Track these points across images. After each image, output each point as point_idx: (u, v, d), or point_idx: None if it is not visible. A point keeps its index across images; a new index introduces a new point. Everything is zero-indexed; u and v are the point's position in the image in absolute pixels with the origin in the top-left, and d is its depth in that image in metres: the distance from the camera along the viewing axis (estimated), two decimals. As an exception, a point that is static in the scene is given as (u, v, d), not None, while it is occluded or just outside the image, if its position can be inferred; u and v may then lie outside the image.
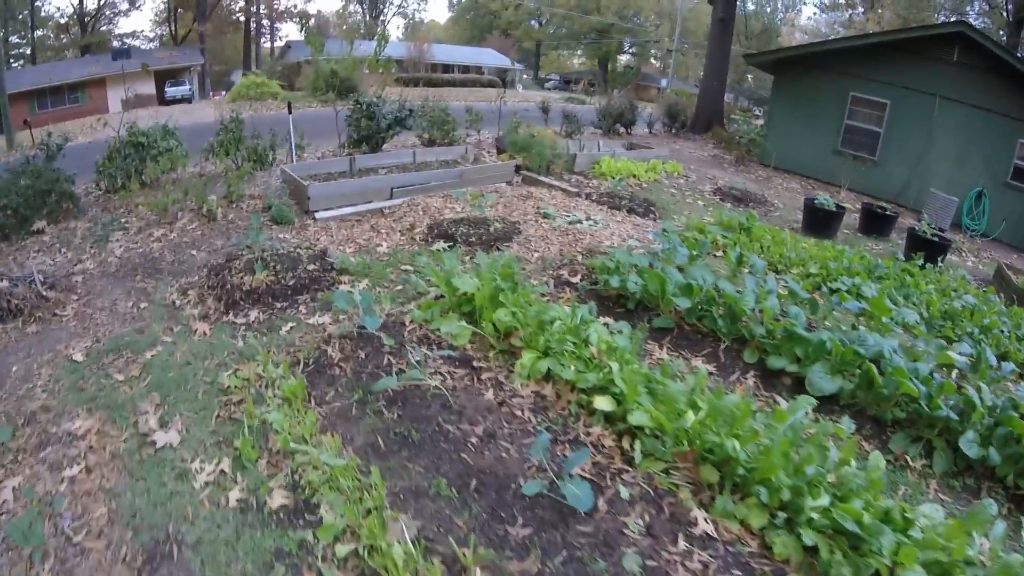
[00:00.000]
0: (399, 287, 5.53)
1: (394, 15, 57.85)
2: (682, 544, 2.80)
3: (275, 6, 51.53)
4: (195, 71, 40.20)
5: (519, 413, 3.69)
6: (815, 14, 50.58)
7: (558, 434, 3.52)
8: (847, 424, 3.57)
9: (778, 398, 4.20)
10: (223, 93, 38.25)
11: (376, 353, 4.28)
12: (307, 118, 13.37)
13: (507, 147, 11.08)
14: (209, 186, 8.16)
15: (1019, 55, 15.37)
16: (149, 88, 34.83)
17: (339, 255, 6.03)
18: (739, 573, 2.69)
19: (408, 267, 5.97)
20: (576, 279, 5.93)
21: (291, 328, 4.79)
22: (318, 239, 6.75)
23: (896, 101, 15.73)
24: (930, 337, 5.50)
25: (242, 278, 5.27)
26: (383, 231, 7.12)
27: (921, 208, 13.89)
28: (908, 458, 3.81)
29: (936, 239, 10.12)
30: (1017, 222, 14.21)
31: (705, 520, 2.94)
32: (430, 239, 6.76)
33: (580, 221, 7.87)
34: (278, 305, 5.08)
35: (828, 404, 4.14)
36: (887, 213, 11.82)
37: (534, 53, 58.63)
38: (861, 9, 41.05)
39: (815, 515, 2.85)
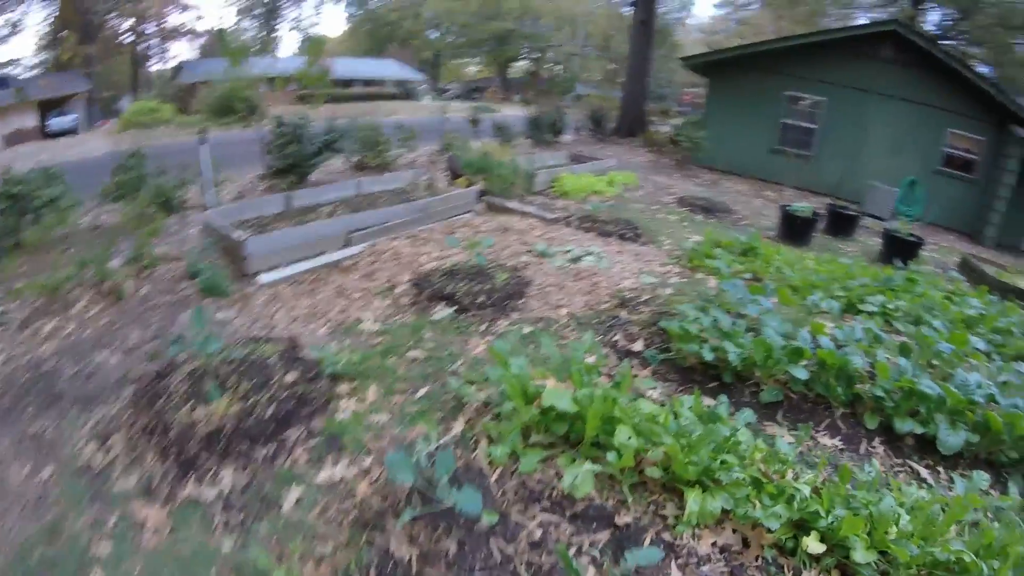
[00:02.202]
0: (421, 391, 3.98)
1: (290, 30, 55.07)
2: None
3: (164, 25, 47.73)
4: (82, 98, 36.23)
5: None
6: (712, 17, 51.29)
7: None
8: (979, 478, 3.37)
9: (916, 466, 3.85)
10: (111, 121, 34.54)
11: (477, 542, 2.74)
12: (210, 144, 11.43)
13: (462, 169, 9.61)
14: (111, 247, 6.21)
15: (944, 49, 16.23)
16: (32, 121, 30.58)
17: (317, 347, 4.38)
18: None
19: (418, 354, 4.41)
20: (636, 346, 4.73)
21: (297, 500, 3.09)
22: (273, 317, 5.05)
23: (831, 98, 16.25)
24: (1010, 366, 5.13)
25: (192, 409, 3.48)
26: (355, 296, 5.47)
27: (861, 200, 14.55)
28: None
29: (913, 239, 10.29)
30: (947, 205, 15.24)
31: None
32: (422, 302, 5.23)
33: (581, 257, 6.61)
34: (260, 453, 3.35)
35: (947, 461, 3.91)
36: (850, 213, 12.02)
37: (432, 63, 56.86)
38: (757, 5, 41.87)
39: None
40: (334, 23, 78.31)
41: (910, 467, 3.83)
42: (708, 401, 3.82)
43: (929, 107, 15.60)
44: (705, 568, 2.68)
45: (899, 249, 10.07)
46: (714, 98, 17.64)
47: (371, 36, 56.05)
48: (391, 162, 11.36)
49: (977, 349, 5.51)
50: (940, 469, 3.83)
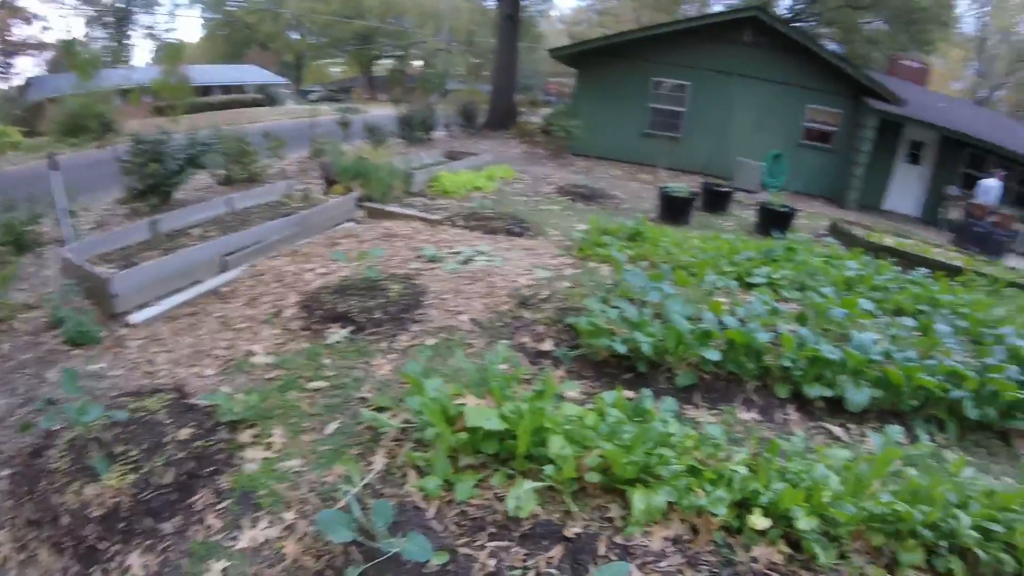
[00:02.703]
0: (331, 426, 3.58)
1: (144, 38, 50.65)
2: None
3: (8, 38, 42.89)
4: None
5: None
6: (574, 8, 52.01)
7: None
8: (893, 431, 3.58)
9: (830, 426, 4.15)
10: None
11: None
12: (62, 168, 10.23)
13: (338, 175, 9.14)
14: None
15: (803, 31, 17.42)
16: None
17: (208, 393, 3.85)
18: None
19: (320, 384, 3.99)
20: (545, 345, 4.62)
21: (223, 574, 2.67)
22: (153, 362, 4.42)
23: (696, 82, 17.09)
24: (896, 322, 5.67)
25: (80, 488, 2.93)
26: (240, 326, 4.91)
27: (731, 175, 15.47)
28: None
29: (785, 210, 10.84)
30: (810, 174, 16.81)
31: None
32: (314, 325, 4.78)
33: (472, 258, 6.41)
34: (167, 528, 2.86)
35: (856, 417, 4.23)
36: (724, 190, 12.57)
37: (294, 66, 54.46)
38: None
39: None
40: (190, 29, 73.38)
41: (824, 428, 4.10)
42: (628, 394, 3.82)
43: (789, 85, 16.81)
44: (663, 563, 2.69)
45: (774, 220, 10.62)
46: (583, 87, 17.92)
47: (229, 41, 52.71)
48: (260, 173, 10.66)
49: (865, 309, 5.84)
50: (851, 426, 4.14)
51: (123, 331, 4.95)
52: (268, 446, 3.37)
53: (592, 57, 17.48)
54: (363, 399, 3.80)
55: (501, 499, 2.91)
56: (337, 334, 4.58)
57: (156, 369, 4.29)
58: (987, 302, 7.25)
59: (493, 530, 2.79)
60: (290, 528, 2.80)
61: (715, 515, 2.84)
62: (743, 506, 2.93)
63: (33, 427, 3.60)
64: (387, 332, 4.66)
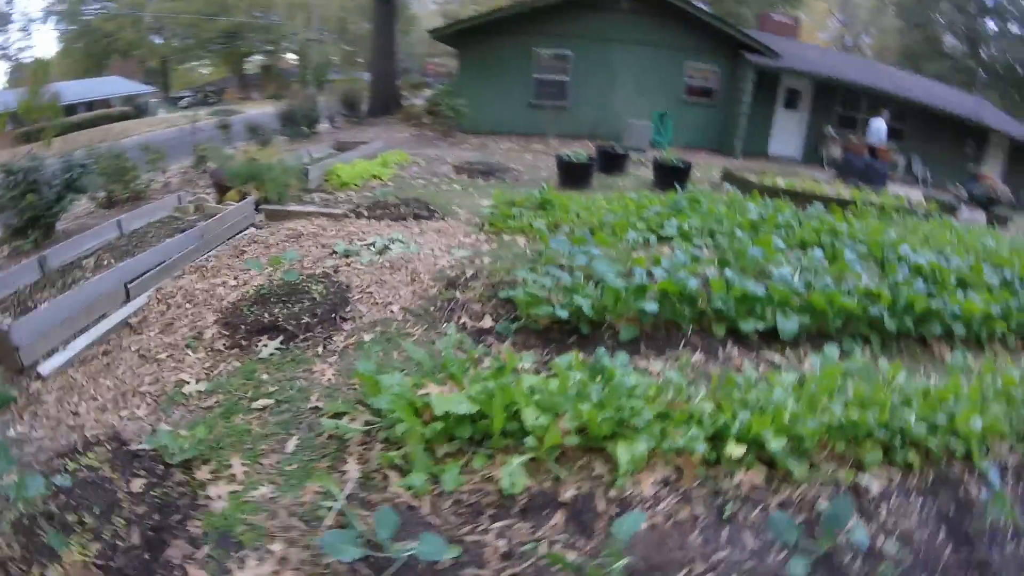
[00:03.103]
0: (291, 443, 3.36)
1: None
2: None
3: None
4: None
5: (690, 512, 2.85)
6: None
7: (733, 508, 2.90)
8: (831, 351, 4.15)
9: (769, 355, 4.53)
10: None
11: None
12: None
13: (229, 181, 8.69)
14: None
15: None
16: None
17: (147, 436, 3.48)
18: None
19: (265, 402, 3.74)
20: (485, 323, 4.65)
21: None
22: (77, 414, 3.95)
23: (577, 51, 17.63)
24: (807, 255, 6.15)
25: (42, 573, 2.54)
26: (162, 356, 4.49)
27: (620, 138, 15.62)
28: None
29: (681, 164, 11.43)
30: (696, 129, 17.98)
31: None
32: (240, 342, 4.49)
33: (387, 247, 6.27)
34: None
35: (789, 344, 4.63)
36: (619, 152, 12.97)
37: (160, 71, 51.00)
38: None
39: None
40: (45, 45, 67.68)
41: (764, 358, 4.45)
42: (573, 355, 3.87)
43: (668, 47, 17.73)
44: (660, 506, 2.84)
45: (670, 175, 11.07)
46: (467, 65, 17.94)
47: (87, 53, 48.38)
48: (144, 190, 9.96)
49: (777, 247, 6.29)
50: (788, 353, 4.54)
51: (36, 386, 4.40)
52: (231, 478, 3.12)
53: (473, 34, 17.46)
54: (315, 409, 3.62)
55: (489, 480, 2.91)
56: (268, 346, 4.34)
57: (82, 421, 3.84)
58: (880, 227, 7.90)
59: (492, 512, 2.79)
60: (283, 560, 2.60)
61: (694, 452, 3.00)
62: (716, 439, 3.13)
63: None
64: (320, 335, 4.48)
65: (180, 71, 54.11)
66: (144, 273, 5.81)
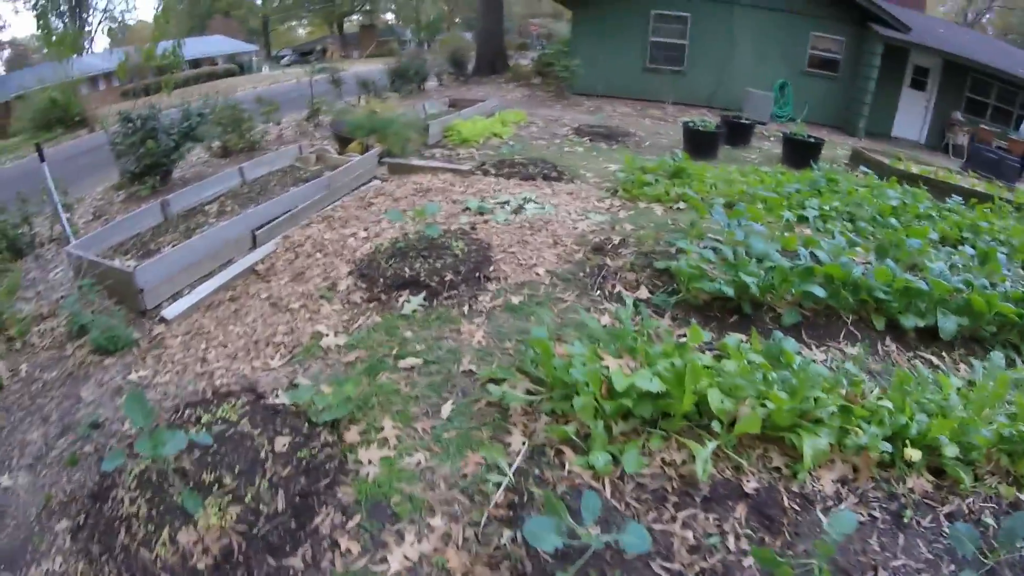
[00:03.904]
0: (446, 407, 3.10)
1: (101, 22, 47.51)
2: None
3: None
4: None
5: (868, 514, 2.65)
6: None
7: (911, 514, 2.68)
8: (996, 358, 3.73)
9: (925, 355, 4.13)
10: None
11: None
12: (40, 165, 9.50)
13: (351, 133, 8.52)
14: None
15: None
16: None
17: (288, 390, 3.32)
18: None
19: (412, 361, 3.50)
20: (641, 293, 4.27)
21: None
22: (205, 361, 3.89)
23: (696, 13, 16.49)
24: (961, 251, 5.66)
25: (172, 536, 2.42)
26: (294, 305, 4.37)
27: (739, 107, 14.92)
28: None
29: (812, 139, 10.68)
30: (816, 103, 16.49)
31: None
32: (380, 295, 4.29)
33: (522, 207, 5.98)
34: (298, 566, 2.35)
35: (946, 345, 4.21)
36: (745, 122, 12.22)
37: (261, 32, 51.84)
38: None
39: None
40: (147, 7, 70.40)
41: (922, 357, 4.10)
42: (738, 335, 3.68)
43: (791, 13, 16.31)
44: (842, 506, 2.66)
45: (801, 151, 10.34)
46: (580, 25, 17.15)
47: (189, 15, 50.33)
48: (259, 141, 10.02)
49: (931, 239, 5.90)
50: (944, 354, 4.17)
51: (159, 329, 4.42)
52: (383, 443, 2.90)
53: None
54: (468, 372, 3.38)
55: (669, 464, 2.69)
56: (411, 302, 4.13)
57: (211, 368, 3.76)
58: (1021, 228, 7.16)
59: (675, 499, 2.57)
60: (445, 537, 2.38)
61: (875, 451, 2.83)
62: (893, 439, 2.94)
63: (82, 459, 3.10)
64: (464, 294, 4.24)
65: (279, 31, 54.93)
66: (271, 221, 5.71)
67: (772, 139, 12.46)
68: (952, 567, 2.52)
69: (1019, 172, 13.91)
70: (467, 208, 5.88)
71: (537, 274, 4.51)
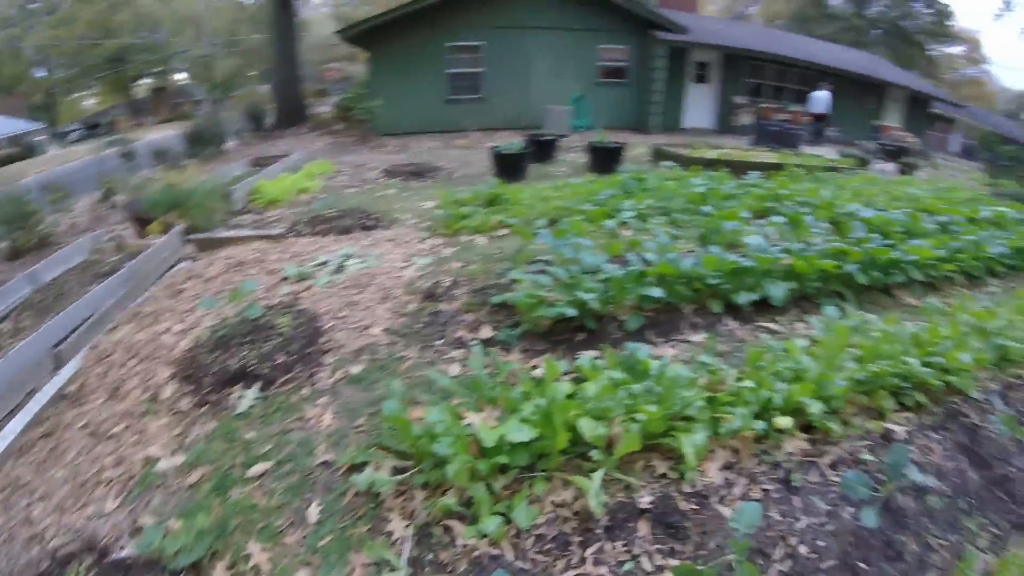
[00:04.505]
0: (313, 511, 2.82)
1: None
2: None
3: None
4: None
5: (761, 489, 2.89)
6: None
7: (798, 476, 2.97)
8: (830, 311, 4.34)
9: (764, 324, 4.57)
10: None
11: None
12: None
13: (149, 211, 7.89)
14: None
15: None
16: None
17: (133, 538, 2.85)
18: None
19: (264, 466, 3.16)
20: (484, 332, 4.29)
21: None
22: (31, 520, 3.22)
23: (490, 41, 17.29)
24: (771, 222, 6.42)
25: None
26: (116, 430, 3.78)
27: (540, 124, 15.88)
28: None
29: (612, 145, 11.36)
30: (612, 109, 18.26)
31: None
32: (208, 396, 3.87)
33: (343, 265, 5.77)
34: None
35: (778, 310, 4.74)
36: (549, 139, 12.78)
37: (46, 106, 46.95)
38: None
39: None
40: None
41: (762, 327, 4.50)
42: (591, 353, 3.80)
43: (579, 30, 17.75)
44: (735, 490, 2.83)
45: (606, 158, 10.97)
46: (378, 65, 17.15)
47: None
48: (52, 233, 9.07)
49: (743, 217, 6.44)
50: (781, 320, 4.64)
51: None
52: (256, 572, 2.57)
53: (383, 32, 16.67)
54: (325, 464, 3.12)
55: (560, 505, 2.70)
56: (245, 397, 3.76)
57: (40, 528, 3.14)
58: (814, 189, 8.15)
59: (578, 538, 2.57)
60: None
61: (749, 432, 3.03)
62: (762, 414, 3.16)
63: None
64: (301, 375, 3.95)
65: (67, 103, 50.36)
66: (74, 331, 5.10)
67: (576, 150, 13.07)
68: (851, 509, 2.78)
69: (801, 139, 15.95)
70: (286, 277, 5.54)
71: (373, 335, 4.32)
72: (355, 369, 3.96)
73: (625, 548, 2.49)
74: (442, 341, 4.19)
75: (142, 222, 7.94)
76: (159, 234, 7.47)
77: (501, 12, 17.03)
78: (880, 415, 3.45)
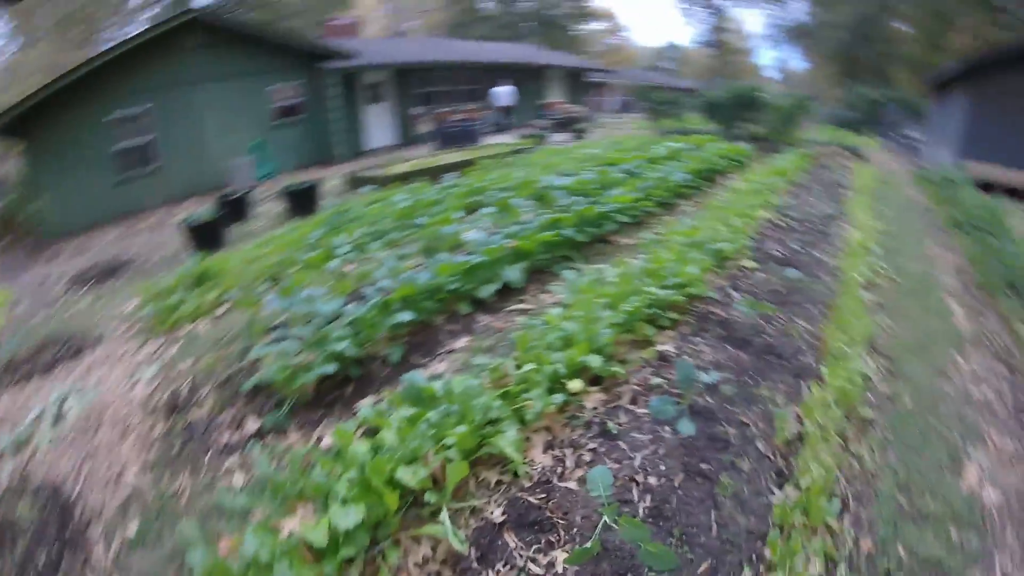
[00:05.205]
0: None
1: None
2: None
3: None
4: None
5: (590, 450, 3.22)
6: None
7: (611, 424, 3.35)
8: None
9: (520, 305, 5.11)
10: None
11: None
12: None
13: None
14: None
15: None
16: None
17: None
18: None
19: None
20: (250, 426, 4.03)
21: None
22: None
23: (158, 103, 15.41)
24: (483, 214, 7.12)
25: None
26: None
27: (228, 182, 14.65)
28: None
29: (306, 185, 11.42)
30: (293, 149, 17.74)
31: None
32: None
33: (62, 412, 4.94)
34: None
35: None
36: (239, 196, 12.16)
37: None
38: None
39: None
40: None
41: (515, 311, 4.92)
42: (370, 399, 3.88)
43: (247, 76, 16.87)
44: (568, 462, 3.08)
45: (302, 200, 10.95)
46: (36, 157, 13.96)
47: None
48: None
49: (455, 218, 6.93)
50: (523, 299, 5.19)
51: None
52: None
53: (39, 115, 13.63)
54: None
55: (426, 561, 2.61)
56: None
57: None
58: (507, 173, 8.82)
59: None
60: None
61: (553, 406, 3.29)
62: (553, 389, 3.42)
63: None
64: (75, 565, 3.27)
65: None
66: None
67: (270, 199, 12.77)
68: (668, 428, 3.18)
69: (480, 133, 17.32)
70: (2, 453, 4.66)
71: (130, 482, 3.80)
72: (130, 530, 3.42)
73: (507, 566, 2.50)
74: (209, 455, 3.81)
75: None
76: None
77: (165, 68, 15.33)
78: (649, 343, 3.96)
